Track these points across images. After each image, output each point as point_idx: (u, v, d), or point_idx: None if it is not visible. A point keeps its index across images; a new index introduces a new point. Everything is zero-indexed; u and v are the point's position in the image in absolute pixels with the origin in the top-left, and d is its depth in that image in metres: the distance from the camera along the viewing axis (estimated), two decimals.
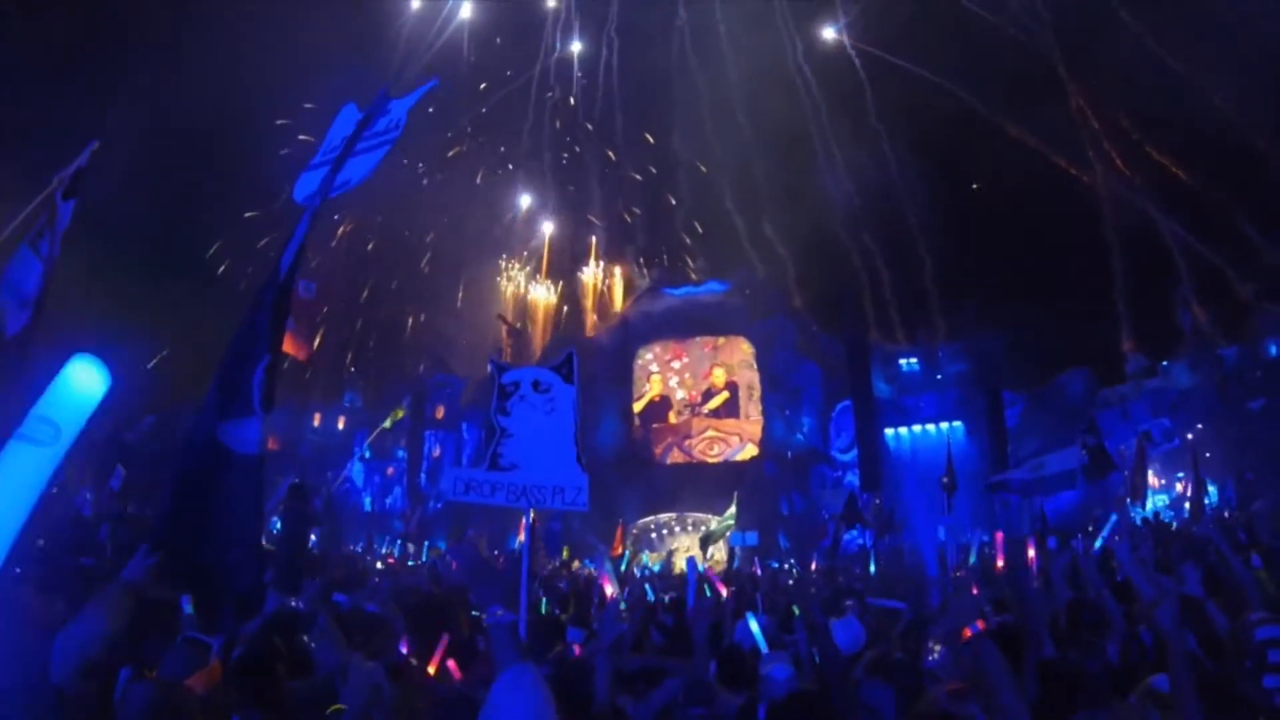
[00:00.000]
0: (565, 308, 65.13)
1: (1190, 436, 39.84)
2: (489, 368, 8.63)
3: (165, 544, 4.43)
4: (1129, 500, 27.60)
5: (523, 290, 64.91)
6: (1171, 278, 50.60)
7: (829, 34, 62.30)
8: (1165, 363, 46.60)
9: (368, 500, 53.62)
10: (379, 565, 25.79)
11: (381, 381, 57.97)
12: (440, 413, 53.83)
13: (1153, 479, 36.81)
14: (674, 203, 65.40)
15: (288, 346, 52.11)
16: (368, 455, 53.05)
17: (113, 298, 35.93)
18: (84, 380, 4.13)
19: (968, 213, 55.72)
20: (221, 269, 57.76)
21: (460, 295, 62.23)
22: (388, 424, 47.48)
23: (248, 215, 56.29)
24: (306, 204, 5.86)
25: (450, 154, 63.92)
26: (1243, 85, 46.36)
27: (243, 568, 4.64)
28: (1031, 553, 9.22)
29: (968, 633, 3.68)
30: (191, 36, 49.87)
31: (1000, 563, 11.35)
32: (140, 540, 4.40)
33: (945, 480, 21.59)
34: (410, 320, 63.31)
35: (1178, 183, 50.56)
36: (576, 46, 66.19)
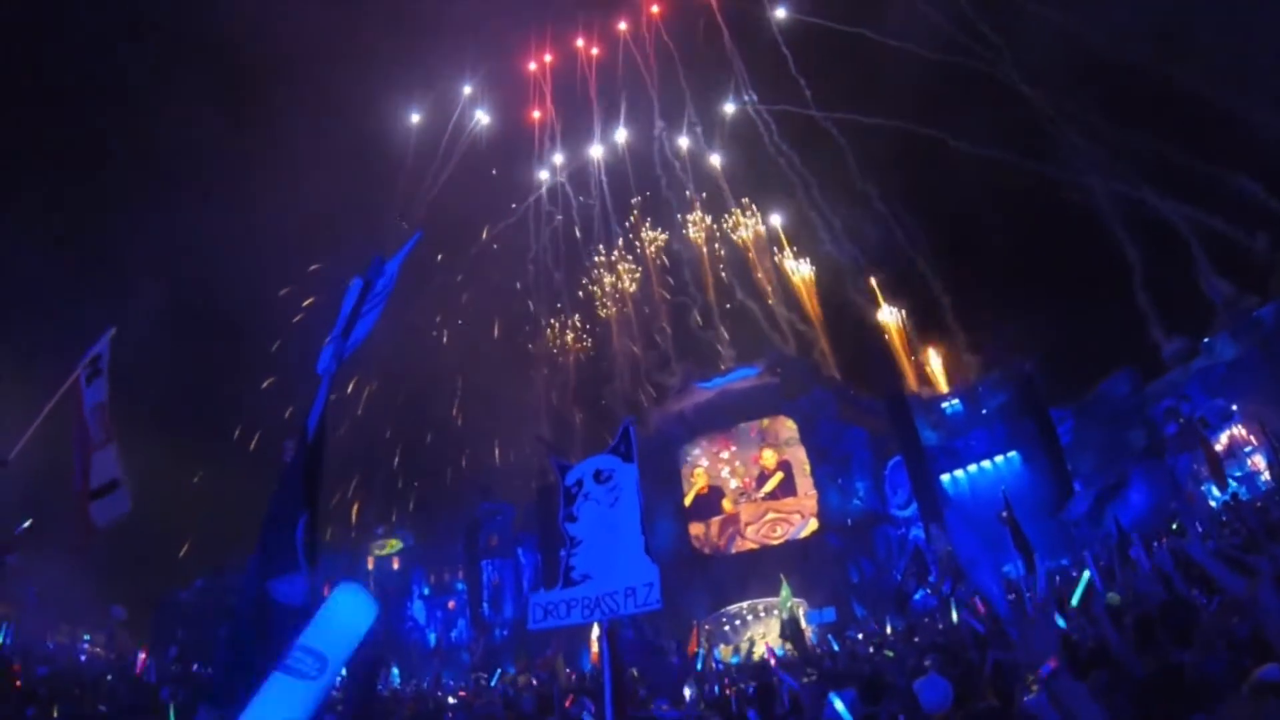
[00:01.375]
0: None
1: (1247, 414, 38.95)
2: (553, 468, 8.35)
3: (222, 702, 4.56)
4: (1211, 486, 27.00)
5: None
6: (1187, 255, 49.75)
7: (796, 106, 63.07)
8: (1206, 340, 45.29)
9: (432, 636, 53.23)
10: (451, 700, 25.36)
11: (433, 518, 57.86)
12: (494, 541, 53.60)
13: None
14: (676, 296, 65.77)
15: None
16: (427, 592, 53.26)
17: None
18: (351, 608, 4.06)
19: (972, 245, 55.94)
20: (253, 441, 58.01)
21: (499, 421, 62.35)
22: (386, 550, 47.74)
23: (265, 385, 56.94)
24: (323, 373, 6.15)
25: (463, 297, 64.74)
26: (1192, 47, 46.62)
27: None
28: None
29: (1041, 673, 3.51)
30: (191, 213, 50.87)
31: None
32: (201, 699, 4.59)
33: (1004, 515, 21.13)
34: (454, 459, 63.54)
35: (1163, 159, 50.09)
36: (559, 163, 67.21)
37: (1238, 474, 36.05)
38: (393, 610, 49.44)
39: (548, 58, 66.95)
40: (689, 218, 66.49)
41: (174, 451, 45.57)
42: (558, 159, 68.01)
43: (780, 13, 63.16)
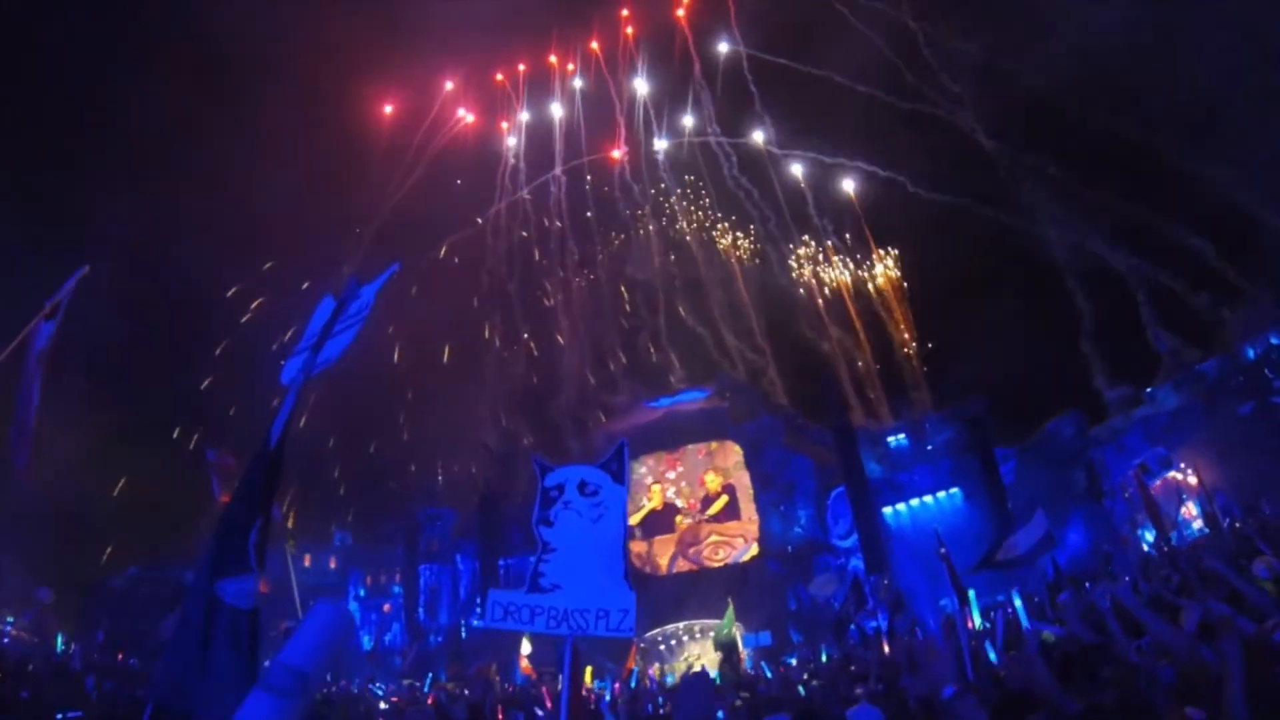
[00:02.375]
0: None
1: (1186, 458, 40.26)
2: (533, 468, 8.02)
3: (166, 698, 4.81)
4: (1141, 531, 27.59)
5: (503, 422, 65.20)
6: (1136, 307, 51.18)
7: (757, 141, 63.71)
8: (1150, 389, 46.99)
9: (367, 639, 52.57)
10: (382, 705, 25.16)
11: (372, 518, 57.32)
12: (434, 546, 53.20)
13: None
14: (629, 314, 65.93)
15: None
16: (363, 594, 52.71)
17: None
18: (331, 625, 4.10)
19: (926, 285, 56.68)
20: (191, 440, 57.31)
21: (443, 425, 61.91)
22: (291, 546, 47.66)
23: (203, 386, 56.40)
24: (289, 385, 6.28)
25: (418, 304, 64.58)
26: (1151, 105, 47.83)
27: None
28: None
29: (944, 695, 3.61)
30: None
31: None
32: (126, 691, 4.61)
33: (942, 551, 21.39)
34: (399, 462, 63.12)
35: (1119, 215, 51.55)
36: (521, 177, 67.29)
37: (1175, 520, 36.93)
38: None
39: (521, 66, 67.06)
40: (652, 232, 66.63)
41: (111, 438, 44.92)
42: (521, 170, 67.94)
43: (745, 52, 63.76)
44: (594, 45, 67.06)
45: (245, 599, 4.99)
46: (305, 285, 52.48)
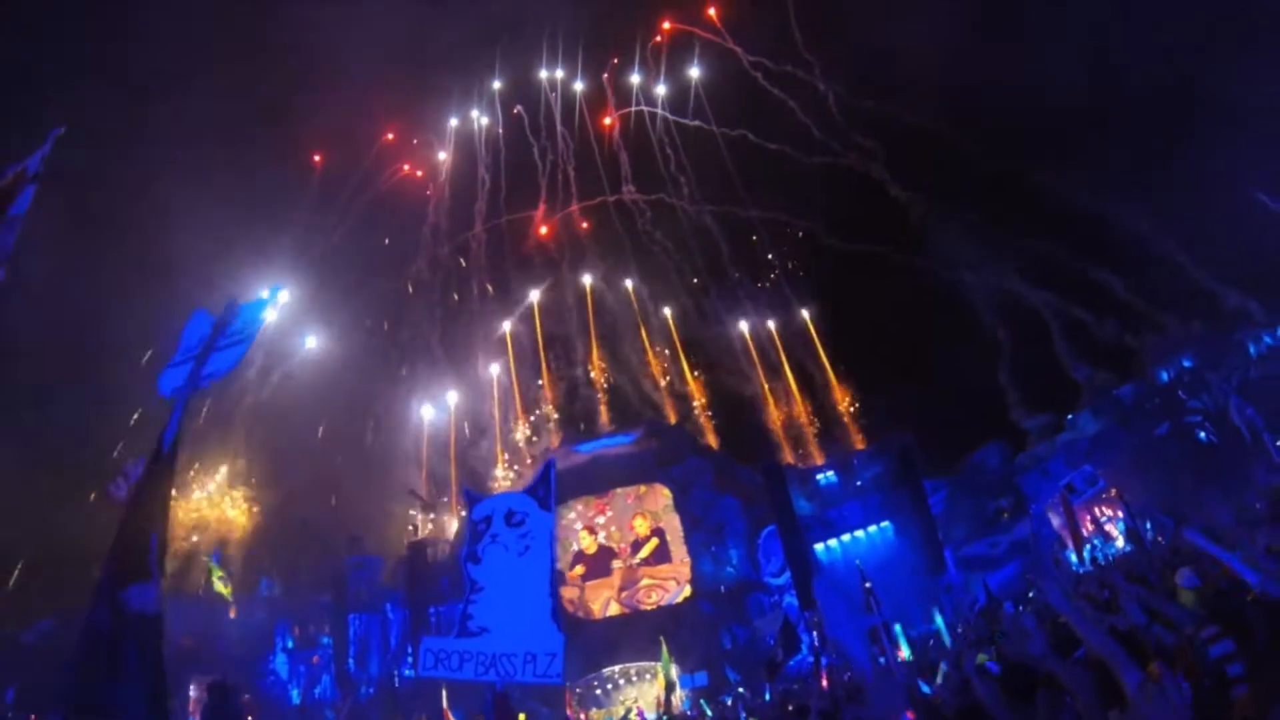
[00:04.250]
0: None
1: (1111, 479, 41.06)
2: (462, 498, 7.79)
3: (78, 706, 4.79)
4: (1068, 552, 28.04)
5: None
6: (1052, 340, 52.80)
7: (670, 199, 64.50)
8: (1070, 415, 48.91)
9: (295, 693, 50.19)
10: None
11: (298, 566, 55.93)
12: (361, 594, 51.71)
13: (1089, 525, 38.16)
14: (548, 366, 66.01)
15: None
16: (290, 645, 50.66)
17: None
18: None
19: (849, 326, 57.52)
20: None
21: (368, 471, 61.08)
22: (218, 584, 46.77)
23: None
24: (174, 395, 6.24)
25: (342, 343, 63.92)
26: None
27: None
28: None
29: None
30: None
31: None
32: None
33: (868, 585, 21.45)
34: (323, 506, 62.02)
35: (1034, 255, 53.39)
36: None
37: (1097, 542, 37.77)
38: (253, 664, 47.55)
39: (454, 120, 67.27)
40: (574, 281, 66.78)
41: (21, 488, 43.91)
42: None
43: (663, 111, 64.63)
44: (517, 110, 67.56)
45: (150, 604, 4.93)
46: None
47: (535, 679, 6.82)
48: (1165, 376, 45.87)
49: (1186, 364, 45.46)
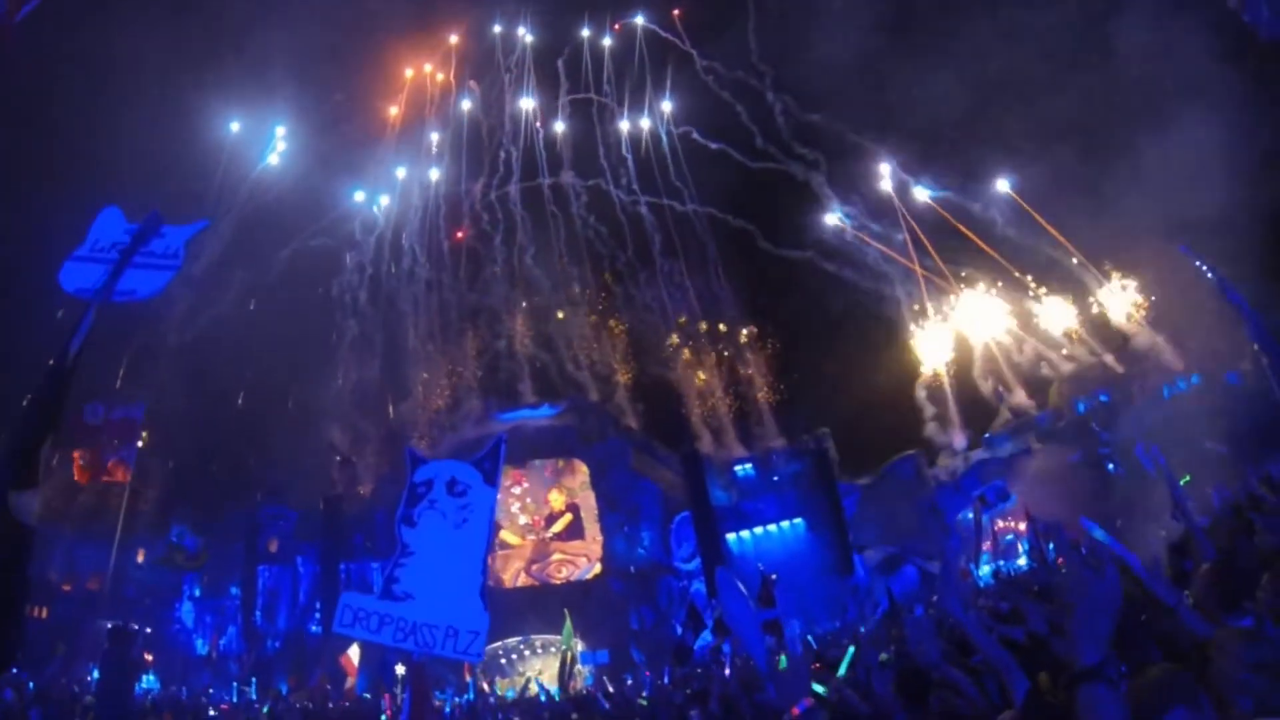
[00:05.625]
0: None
1: (1021, 494, 42.92)
2: (405, 457, 7.40)
3: None
4: (973, 565, 28.64)
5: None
6: (973, 361, 54.51)
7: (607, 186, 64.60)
8: (987, 435, 50.47)
9: (201, 643, 49.56)
10: (212, 712, 24.17)
11: (213, 514, 54.90)
12: (274, 546, 51.11)
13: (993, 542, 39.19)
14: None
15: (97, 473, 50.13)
16: (198, 594, 50.05)
17: None
18: None
19: (779, 329, 58.33)
20: None
21: (289, 421, 60.05)
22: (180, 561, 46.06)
23: None
24: (79, 295, 6.10)
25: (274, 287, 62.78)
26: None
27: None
28: None
29: (796, 711, 3.73)
30: None
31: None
32: None
33: (773, 577, 21.95)
34: (238, 454, 60.92)
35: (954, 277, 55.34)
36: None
37: (1001, 562, 38.93)
38: (160, 611, 46.90)
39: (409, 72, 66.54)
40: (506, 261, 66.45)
41: None
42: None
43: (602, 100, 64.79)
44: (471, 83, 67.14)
45: (28, 515, 4.83)
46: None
47: (454, 655, 6.65)
48: (1082, 408, 47.87)
49: (1103, 398, 47.44)
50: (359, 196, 64.72)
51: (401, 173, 65.94)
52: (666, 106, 63.20)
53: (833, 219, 58.73)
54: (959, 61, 45.38)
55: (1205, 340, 41.47)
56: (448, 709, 20.87)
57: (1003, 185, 53.50)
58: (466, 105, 67.02)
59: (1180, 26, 35.74)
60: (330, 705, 21.53)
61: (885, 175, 56.72)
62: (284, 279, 60.66)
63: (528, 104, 65.87)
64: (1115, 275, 50.55)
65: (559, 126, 65.23)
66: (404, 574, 6.75)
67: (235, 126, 60.77)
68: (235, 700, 31.57)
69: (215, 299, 56.10)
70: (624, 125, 64.03)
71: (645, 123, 63.54)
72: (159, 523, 51.39)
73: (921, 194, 55.13)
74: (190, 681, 40.12)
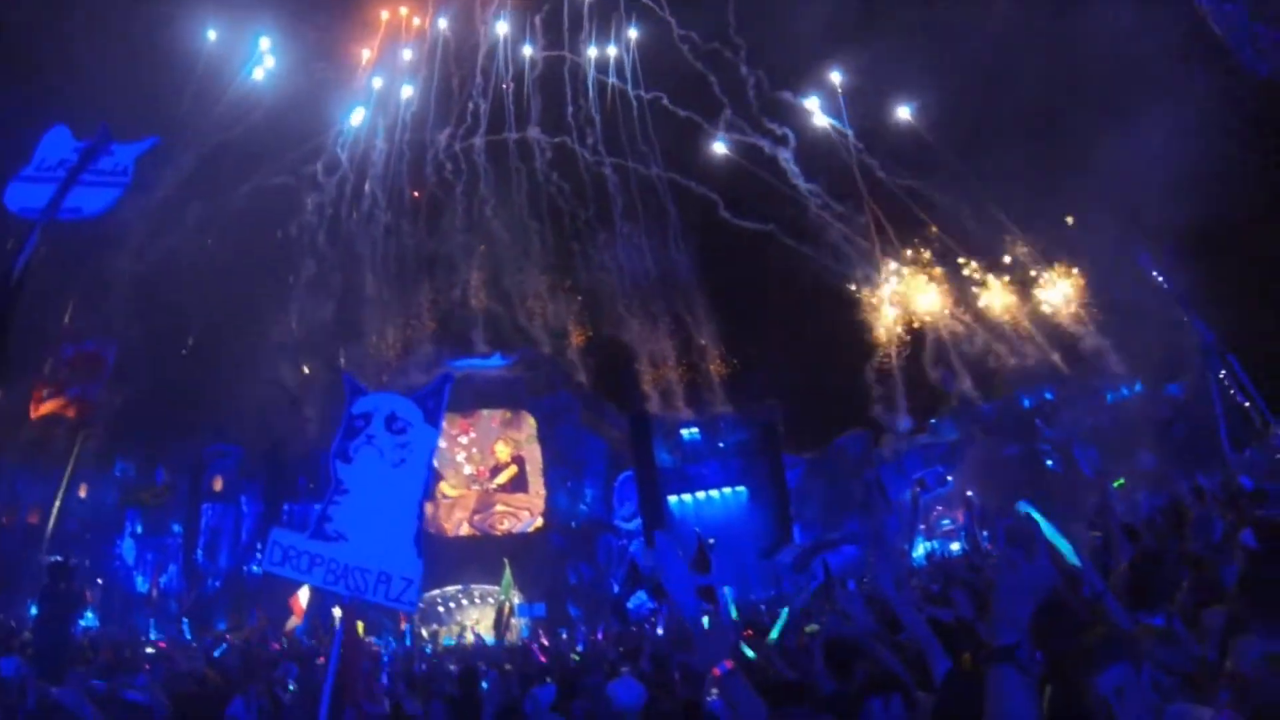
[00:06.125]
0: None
1: (961, 483, 43.73)
2: (344, 385, 7.07)
3: None
4: (910, 545, 29.29)
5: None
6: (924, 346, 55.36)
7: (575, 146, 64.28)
8: (934, 420, 51.26)
9: (141, 580, 48.10)
10: (150, 650, 23.76)
11: (157, 449, 53.94)
12: (218, 484, 50.27)
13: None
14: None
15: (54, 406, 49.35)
16: (140, 531, 48.89)
17: None
18: None
19: (736, 296, 58.47)
20: None
21: (240, 358, 59.09)
22: (148, 499, 45.40)
23: None
24: (24, 215, 6.09)
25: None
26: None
27: None
28: None
29: (716, 672, 3.79)
30: None
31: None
32: None
33: (711, 542, 22.25)
34: (185, 387, 59.87)
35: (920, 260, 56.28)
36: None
37: (935, 544, 39.70)
38: (101, 547, 46.20)
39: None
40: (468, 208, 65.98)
41: None
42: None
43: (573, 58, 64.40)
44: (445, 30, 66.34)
45: None
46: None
47: (386, 602, 6.42)
48: (1027, 403, 48.87)
49: (1048, 396, 48.53)
50: (356, 118, 63.65)
51: (360, 115, 65.11)
52: (636, 67, 62.82)
53: (720, 147, 59.34)
54: (931, 50, 45.74)
55: (1152, 349, 42.38)
56: (385, 655, 20.99)
57: (903, 112, 53.96)
58: (439, 49, 66.28)
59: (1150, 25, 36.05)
60: (267, 646, 21.40)
61: (851, 154, 56.87)
62: (243, 214, 59.83)
63: (501, 37, 64.99)
64: (1063, 273, 51.33)
65: (530, 80, 64.68)
66: (337, 513, 6.42)
67: (212, 35, 59.42)
68: (174, 639, 31.10)
69: (171, 230, 55.17)
70: (594, 84, 63.62)
71: (616, 84, 63.13)
72: (104, 458, 50.49)
73: (885, 177, 55.37)
74: (130, 619, 39.61)
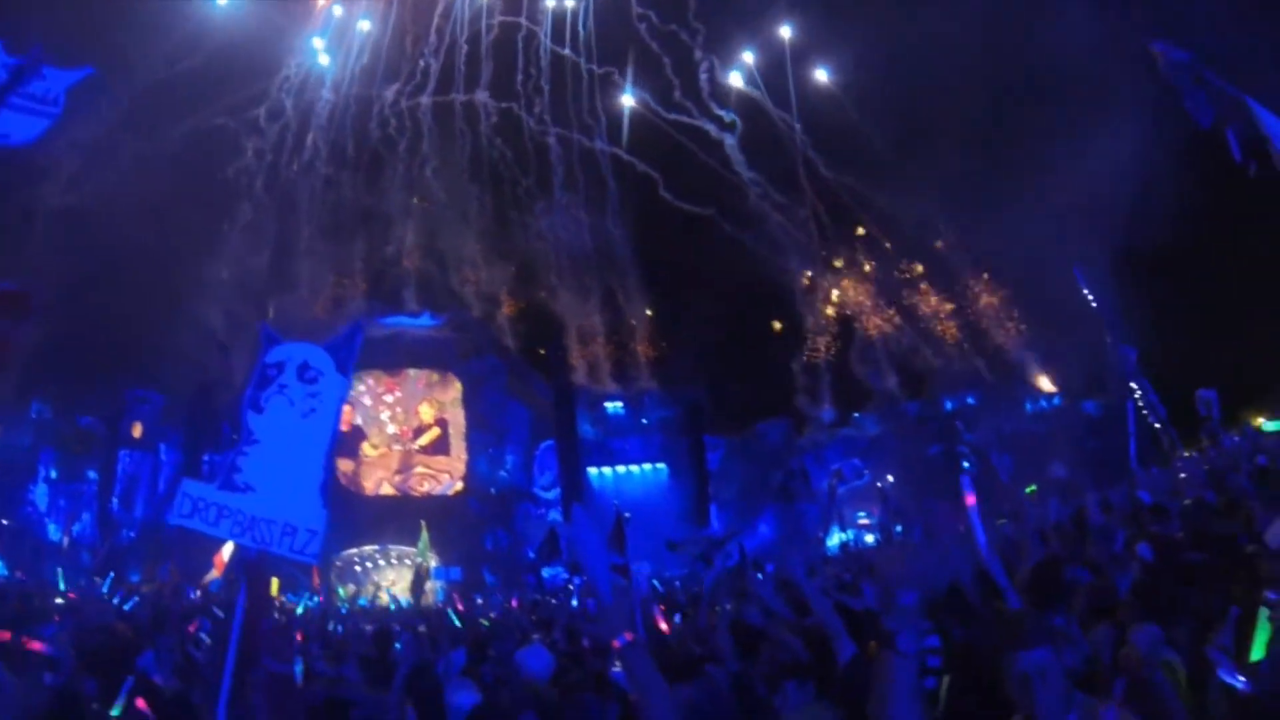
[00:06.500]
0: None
1: (878, 478, 44.59)
2: (260, 334, 6.81)
3: None
4: (821, 533, 29.76)
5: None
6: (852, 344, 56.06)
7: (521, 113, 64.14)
8: (857, 415, 52.26)
9: (54, 528, 45.63)
10: (59, 601, 23.26)
11: (76, 390, 52.20)
12: (138, 430, 48.36)
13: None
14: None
15: None
16: (54, 476, 46.80)
17: None
18: None
19: (667, 274, 58.74)
20: None
21: (167, 301, 57.47)
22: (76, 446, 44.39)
23: None
24: None
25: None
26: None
27: None
28: None
29: (616, 644, 3.85)
30: None
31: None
32: None
33: (628, 516, 22.50)
34: (106, 327, 58.07)
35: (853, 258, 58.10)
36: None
37: (850, 534, 40.37)
38: (11, 492, 44.70)
39: None
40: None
41: None
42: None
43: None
44: None
45: None
46: None
47: (290, 554, 6.14)
48: (950, 405, 49.93)
49: (970, 400, 49.81)
50: (319, 47, 62.59)
51: (321, 46, 64.21)
52: (591, 41, 62.60)
53: (628, 99, 59.71)
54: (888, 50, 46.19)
55: (1074, 365, 43.43)
56: (299, 611, 20.90)
57: (821, 74, 54.62)
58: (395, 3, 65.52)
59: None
60: (181, 600, 21.15)
61: (797, 147, 57.34)
62: (181, 155, 58.75)
63: None
64: (995, 283, 52.42)
65: (485, 44, 64.23)
66: (246, 464, 6.26)
67: None
68: (85, 590, 30.28)
69: (103, 165, 53.77)
70: (548, 53, 63.35)
71: (570, 56, 62.89)
72: (19, 398, 48.79)
73: (828, 173, 55.91)
74: (40, 569, 38.37)
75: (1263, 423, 22.48)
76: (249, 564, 6.23)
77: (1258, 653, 4.78)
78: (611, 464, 50.25)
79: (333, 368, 6.38)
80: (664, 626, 10.47)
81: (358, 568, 45.00)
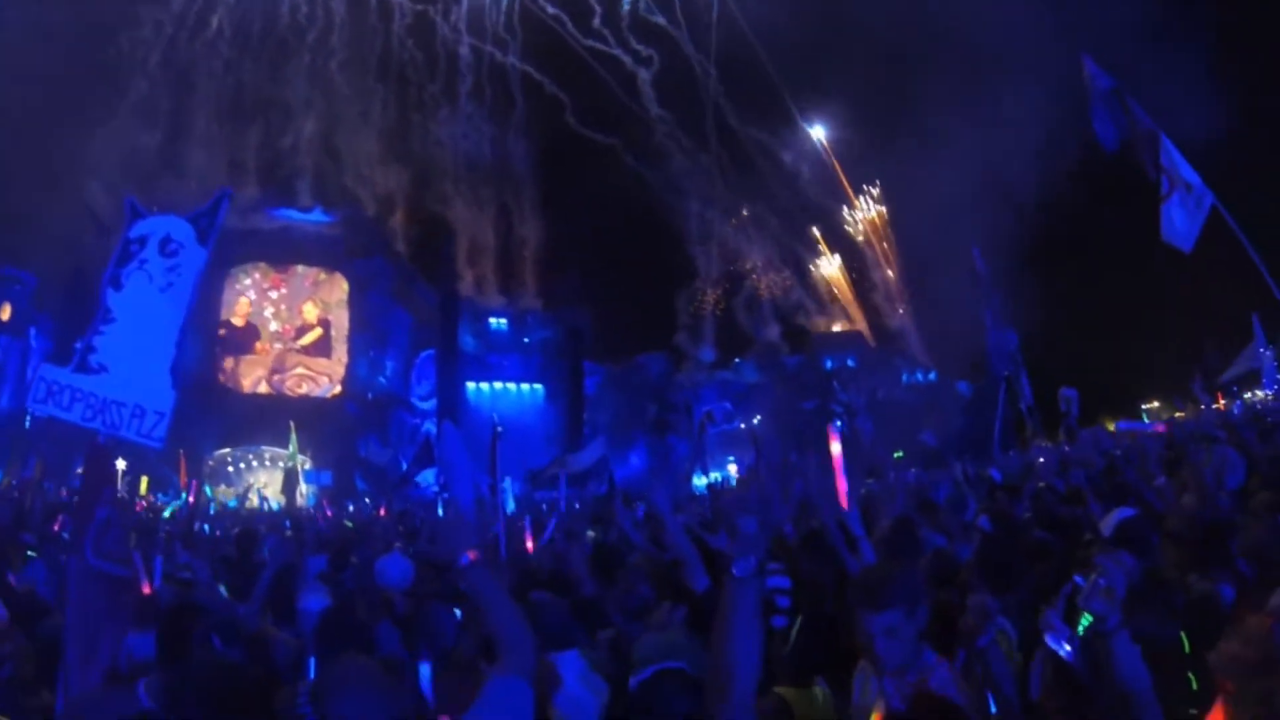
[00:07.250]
0: None
1: (751, 421, 45.20)
2: (124, 207, 6.26)
3: None
4: (700, 469, 30.30)
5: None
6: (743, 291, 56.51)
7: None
8: (738, 360, 53.55)
9: None
10: None
11: None
12: (6, 313, 45.57)
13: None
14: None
15: None
16: None
17: None
18: None
19: (567, 197, 58.78)
20: None
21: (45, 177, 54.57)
22: None
23: None
24: None
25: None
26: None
27: None
28: None
29: (460, 562, 3.91)
30: None
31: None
32: None
33: (500, 429, 22.59)
34: None
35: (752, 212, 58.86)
36: None
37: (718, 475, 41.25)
38: None
39: None
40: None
41: None
42: None
43: None
44: None
45: None
46: None
47: (137, 437, 5.76)
48: (830, 364, 51.56)
49: (850, 362, 51.61)
50: None
51: None
52: None
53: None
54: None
55: (954, 344, 44.71)
56: (166, 513, 20.64)
57: (818, 132, 55.37)
58: None
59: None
60: (44, 496, 20.36)
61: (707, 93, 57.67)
62: (71, 19, 56.17)
63: None
64: (891, 253, 53.67)
65: None
66: (101, 344, 5.87)
67: None
68: None
69: None
70: None
71: None
72: None
73: (738, 124, 56.44)
74: None
75: (1114, 425, 23.41)
76: (92, 449, 5.69)
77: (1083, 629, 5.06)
78: (490, 380, 50.67)
79: (193, 238, 6.09)
80: (529, 545, 10.57)
81: (230, 468, 44.49)
